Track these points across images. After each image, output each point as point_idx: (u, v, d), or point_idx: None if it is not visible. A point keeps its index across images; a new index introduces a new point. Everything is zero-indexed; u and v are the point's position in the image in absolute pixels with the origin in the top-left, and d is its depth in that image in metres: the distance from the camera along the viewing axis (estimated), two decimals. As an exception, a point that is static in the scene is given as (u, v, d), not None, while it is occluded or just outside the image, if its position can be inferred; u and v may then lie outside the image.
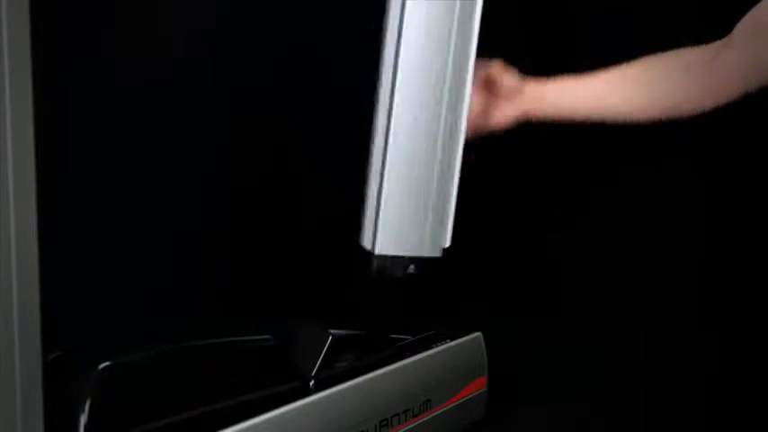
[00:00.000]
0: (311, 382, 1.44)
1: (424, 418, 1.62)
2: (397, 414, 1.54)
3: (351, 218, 2.33)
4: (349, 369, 1.51)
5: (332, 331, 1.51)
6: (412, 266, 0.85)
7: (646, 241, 2.12)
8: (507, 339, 1.93)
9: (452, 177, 0.84)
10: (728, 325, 2.05)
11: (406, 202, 0.84)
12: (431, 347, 1.74)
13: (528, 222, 2.51)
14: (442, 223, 0.84)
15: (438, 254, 0.85)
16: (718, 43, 1.09)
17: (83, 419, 1.10)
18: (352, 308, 2.15)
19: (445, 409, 1.70)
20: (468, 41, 0.85)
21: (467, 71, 0.84)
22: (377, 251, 0.85)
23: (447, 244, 0.85)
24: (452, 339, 1.81)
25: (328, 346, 1.49)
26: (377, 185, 0.84)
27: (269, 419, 1.26)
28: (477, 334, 1.89)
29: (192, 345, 1.37)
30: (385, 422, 1.50)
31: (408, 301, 2.32)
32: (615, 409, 1.87)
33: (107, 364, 1.17)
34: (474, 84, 0.94)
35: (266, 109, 2.14)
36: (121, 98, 1.80)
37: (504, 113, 1.03)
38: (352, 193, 2.33)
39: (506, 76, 1.07)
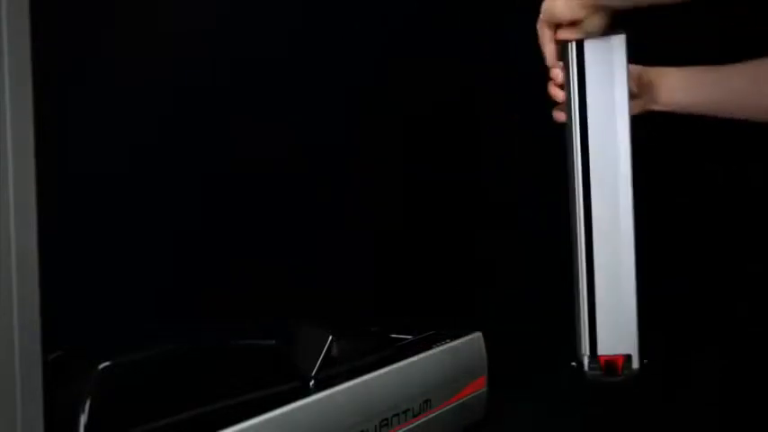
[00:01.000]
0: (311, 382, 1.44)
1: (424, 418, 1.62)
2: (397, 414, 1.54)
3: (349, 219, 2.34)
4: (349, 369, 1.51)
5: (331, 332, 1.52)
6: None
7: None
8: (507, 339, 1.92)
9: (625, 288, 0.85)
10: (730, 330, 2.05)
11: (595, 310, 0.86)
12: (431, 347, 1.74)
13: (530, 224, 2.51)
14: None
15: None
16: None
17: (83, 419, 1.10)
18: (351, 308, 2.15)
19: (445, 409, 1.70)
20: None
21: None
22: (579, 350, 0.86)
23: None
24: (452, 339, 1.81)
25: (328, 347, 1.49)
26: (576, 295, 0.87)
27: (269, 419, 1.26)
28: (478, 334, 1.89)
29: (192, 345, 1.37)
30: (385, 422, 1.50)
31: (410, 302, 2.32)
32: (615, 409, 1.87)
33: (107, 364, 1.17)
34: None
35: (263, 110, 2.14)
36: (121, 98, 1.80)
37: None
38: (351, 192, 2.34)
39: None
